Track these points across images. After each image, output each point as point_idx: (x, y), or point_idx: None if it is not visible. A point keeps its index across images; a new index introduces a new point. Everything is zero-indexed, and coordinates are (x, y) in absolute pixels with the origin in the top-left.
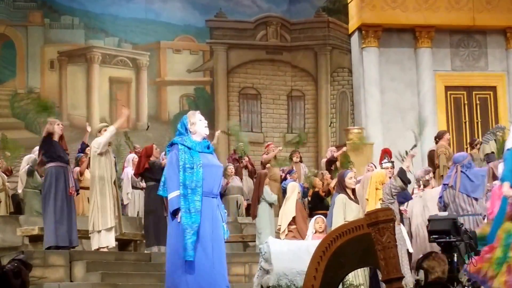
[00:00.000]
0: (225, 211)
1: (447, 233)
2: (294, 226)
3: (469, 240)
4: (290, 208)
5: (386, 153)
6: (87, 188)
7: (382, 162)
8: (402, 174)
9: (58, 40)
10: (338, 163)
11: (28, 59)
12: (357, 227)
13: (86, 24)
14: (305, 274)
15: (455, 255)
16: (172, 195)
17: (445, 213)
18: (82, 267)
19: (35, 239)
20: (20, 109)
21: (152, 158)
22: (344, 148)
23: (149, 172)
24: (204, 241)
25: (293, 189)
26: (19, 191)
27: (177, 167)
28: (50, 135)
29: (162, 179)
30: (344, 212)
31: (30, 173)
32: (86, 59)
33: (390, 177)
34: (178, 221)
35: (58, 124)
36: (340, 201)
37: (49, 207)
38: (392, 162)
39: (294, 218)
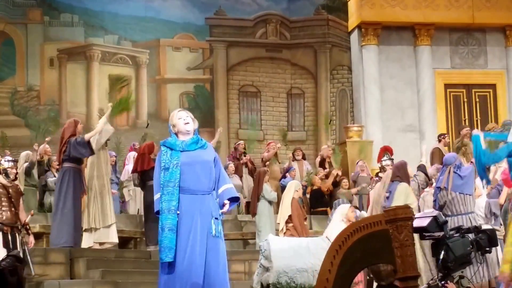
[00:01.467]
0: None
1: (426, 231)
2: (291, 224)
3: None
4: (286, 206)
5: (386, 151)
6: None
7: (382, 159)
8: (423, 169)
9: (58, 37)
10: (330, 161)
11: (28, 57)
12: (375, 223)
13: (85, 22)
14: (320, 267)
15: (442, 252)
16: (155, 197)
17: (430, 210)
18: (83, 265)
19: (36, 236)
20: (20, 107)
21: (152, 156)
22: (329, 144)
23: (149, 172)
24: (181, 241)
25: (290, 187)
26: None
27: (159, 169)
28: (72, 135)
29: None
30: (405, 201)
31: (27, 171)
32: (86, 57)
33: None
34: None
35: (80, 124)
36: (404, 189)
37: (66, 208)
38: (392, 159)
39: (290, 216)
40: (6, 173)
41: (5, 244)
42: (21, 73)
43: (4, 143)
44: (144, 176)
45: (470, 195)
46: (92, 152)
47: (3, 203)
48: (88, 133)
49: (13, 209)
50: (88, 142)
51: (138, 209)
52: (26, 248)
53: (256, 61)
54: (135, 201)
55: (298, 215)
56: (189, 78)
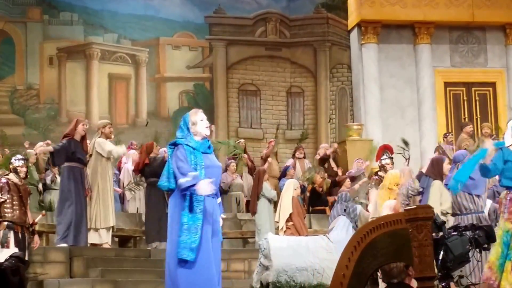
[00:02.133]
0: (222, 210)
1: None
2: (291, 223)
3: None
4: (286, 205)
5: (386, 149)
6: None
7: (382, 158)
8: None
9: (57, 36)
10: (331, 161)
11: (27, 56)
12: (395, 221)
13: (85, 21)
14: (336, 263)
15: (441, 252)
16: (183, 179)
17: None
18: (82, 263)
19: None
20: (19, 106)
21: (151, 155)
22: (335, 145)
23: (149, 167)
24: (205, 240)
25: (288, 186)
26: None
27: (186, 159)
28: (69, 134)
29: (164, 172)
30: (440, 199)
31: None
32: (85, 55)
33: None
34: (203, 192)
35: (83, 124)
36: (438, 187)
37: (66, 208)
38: (392, 158)
39: (290, 214)
40: (16, 172)
41: (17, 244)
42: (21, 72)
43: (4, 142)
44: (143, 175)
45: (478, 195)
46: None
47: (14, 202)
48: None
49: (23, 208)
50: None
51: (138, 208)
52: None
53: (256, 59)
54: (135, 201)
55: (298, 214)
56: (189, 76)
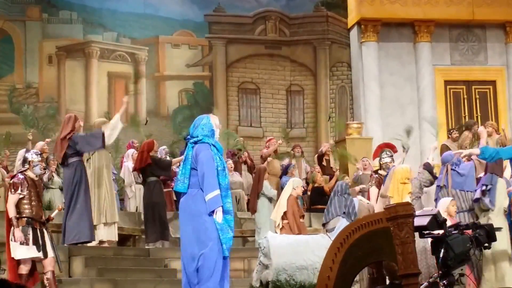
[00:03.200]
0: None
1: (425, 229)
2: (286, 221)
3: (477, 234)
4: (282, 203)
5: (387, 147)
6: None
7: (382, 157)
8: (428, 167)
9: (57, 35)
10: (328, 158)
11: (26, 54)
12: (376, 221)
13: (84, 19)
14: (321, 265)
15: (442, 250)
16: (213, 194)
17: (429, 208)
18: (81, 263)
19: None
20: (18, 104)
21: (152, 153)
22: (331, 142)
23: (152, 168)
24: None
25: (289, 184)
26: None
27: (216, 168)
28: (72, 131)
29: (180, 176)
30: (505, 198)
31: None
32: (85, 54)
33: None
34: (218, 220)
35: (80, 121)
36: (503, 185)
37: (79, 203)
38: (391, 156)
39: (285, 213)
40: (34, 166)
41: (35, 241)
42: (20, 71)
43: (6, 142)
44: (143, 173)
45: (471, 191)
46: (103, 145)
47: (32, 197)
48: (104, 126)
49: (40, 203)
50: (103, 134)
51: (137, 207)
52: (54, 244)
53: (256, 58)
54: (135, 199)
55: (293, 213)
56: (188, 75)
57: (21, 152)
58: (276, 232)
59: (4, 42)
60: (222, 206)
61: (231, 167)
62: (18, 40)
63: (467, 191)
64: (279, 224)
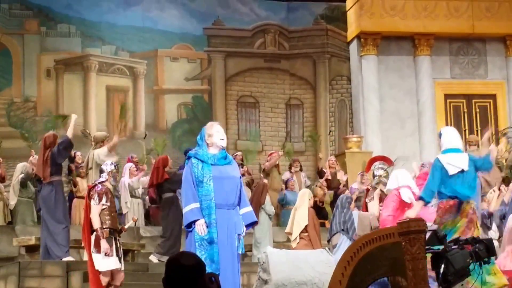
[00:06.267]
0: (242, 222)
1: (426, 244)
2: (306, 234)
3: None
4: (302, 215)
5: (382, 160)
6: (83, 198)
7: (373, 169)
8: None
9: (55, 48)
10: (335, 170)
11: (25, 68)
12: (388, 235)
13: (82, 32)
14: (330, 278)
15: (442, 266)
16: (186, 208)
17: (429, 224)
18: (79, 278)
19: (32, 249)
20: (16, 118)
21: (167, 169)
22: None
23: (169, 183)
24: (224, 253)
25: (303, 196)
26: (12, 203)
27: (191, 181)
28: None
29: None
30: None
31: (23, 183)
32: (83, 67)
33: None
34: (200, 234)
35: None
36: None
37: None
38: (384, 169)
39: (306, 226)
40: (113, 177)
41: (116, 252)
42: (18, 84)
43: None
44: (159, 189)
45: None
46: (70, 140)
47: (111, 208)
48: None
49: (116, 214)
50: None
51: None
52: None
53: (255, 71)
54: (133, 214)
55: (314, 225)
56: (187, 88)
57: (20, 166)
58: (277, 248)
59: (2, 55)
60: (203, 218)
61: None
62: (16, 53)
63: None
64: (296, 238)
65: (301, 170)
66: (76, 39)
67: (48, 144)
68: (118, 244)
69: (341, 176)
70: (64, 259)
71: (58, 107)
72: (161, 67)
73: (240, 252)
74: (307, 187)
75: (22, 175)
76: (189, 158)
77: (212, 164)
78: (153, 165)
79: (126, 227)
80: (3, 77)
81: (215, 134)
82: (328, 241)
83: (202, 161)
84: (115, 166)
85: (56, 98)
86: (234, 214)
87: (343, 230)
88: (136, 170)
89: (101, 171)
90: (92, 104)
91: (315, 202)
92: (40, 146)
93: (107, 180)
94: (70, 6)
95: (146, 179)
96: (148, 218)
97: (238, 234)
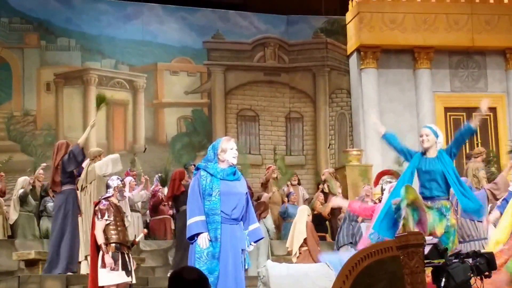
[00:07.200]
0: (247, 237)
1: (426, 258)
2: (305, 248)
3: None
4: (301, 230)
5: (384, 175)
6: None
7: (381, 183)
8: None
9: (55, 62)
10: (325, 185)
11: (24, 81)
12: (386, 249)
13: (82, 46)
14: None
15: (443, 279)
16: (190, 220)
17: (429, 238)
18: None
19: (31, 263)
20: (16, 132)
21: (183, 182)
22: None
23: (185, 195)
24: (227, 268)
25: (303, 211)
26: (13, 217)
27: (198, 194)
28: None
29: None
30: None
31: (23, 197)
32: (83, 81)
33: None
34: (202, 247)
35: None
36: None
37: (67, 233)
38: (390, 182)
39: (305, 239)
40: (119, 192)
41: (124, 266)
42: (18, 98)
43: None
44: (176, 202)
45: (480, 221)
46: (83, 152)
47: (118, 223)
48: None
49: (124, 228)
50: (78, 144)
51: (135, 235)
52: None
53: (254, 85)
54: (133, 228)
55: (314, 238)
56: (187, 102)
57: (21, 180)
58: (277, 262)
59: (1, 69)
60: (207, 232)
61: None
62: (16, 67)
63: (477, 220)
64: (296, 253)
65: (299, 184)
66: (76, 52)
67: (60, 151)
68: (127, 258)
69: (335, 189)
70: (68, 273)
71: (58, 120)
72: (160, 81)
73: (246, 267)
74: (306, 200)
75: (22, 189)
76: (197, 169)
77: (221, 179)
78: (170, 178)
79: (137, 239)
80: (3, 91)
81: (229, 152)
82: None
83: (211, 175)
84: (121, 180)
85: (56, 112)
86: (237, 229)
87: (351, 242)
88: (135, 184)
89: (108, 186)
90: (92, 118)
91: (315, 215)
92: (52, 154)
93: (113, 195)
94: (70, 20)
95: (145, 193)
96: (148, 232)
97: (242, 250)
